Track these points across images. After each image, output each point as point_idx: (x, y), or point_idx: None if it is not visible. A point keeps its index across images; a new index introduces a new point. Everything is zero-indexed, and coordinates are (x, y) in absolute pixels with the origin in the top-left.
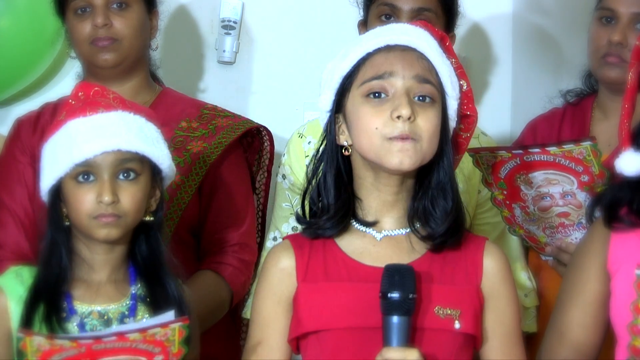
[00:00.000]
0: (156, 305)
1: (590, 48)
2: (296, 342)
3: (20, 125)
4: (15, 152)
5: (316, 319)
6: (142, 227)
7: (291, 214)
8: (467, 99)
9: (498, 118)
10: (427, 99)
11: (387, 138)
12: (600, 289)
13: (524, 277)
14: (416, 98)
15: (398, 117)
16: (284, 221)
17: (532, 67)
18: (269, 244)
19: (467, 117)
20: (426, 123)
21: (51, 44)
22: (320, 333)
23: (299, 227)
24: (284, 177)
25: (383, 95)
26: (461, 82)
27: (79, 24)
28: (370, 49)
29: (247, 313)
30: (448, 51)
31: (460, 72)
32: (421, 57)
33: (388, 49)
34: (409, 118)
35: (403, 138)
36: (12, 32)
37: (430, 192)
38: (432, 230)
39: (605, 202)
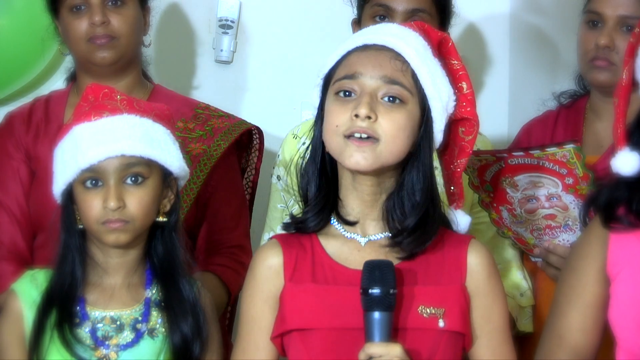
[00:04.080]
0: (170, 308)
1: (578, 52)
2: (280, 340)
3: (13, 121)
4: (9, 148)
5: (300, 317)
6: (159, 227)
7: (286, 215)
8: (466, 102)
9: (495, 118)
10: (397, 100)
11: (345, 136)
12: (599, 292)
13: (519, 276)
14: (385, 99)
15: (357, 115)
16: (279, 222)
17: (530, 68)
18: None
19: (467, 120)
20: (389, 123)
21: (43, 45)
22: (304, 332)
23: None
24: (278, 178)
25: (353, 95)
26: (461, 84)
27: (75, 21)
28: (349, 48)
29: None
30: (450, 53)
31: (462, 74)
32: (396, 57)
33: (364, 48)
34: (369, 117)
35: (361, 139)
36: (10, 31)
37: (401, 192)
38: (399, 227)
39: (601, 202)
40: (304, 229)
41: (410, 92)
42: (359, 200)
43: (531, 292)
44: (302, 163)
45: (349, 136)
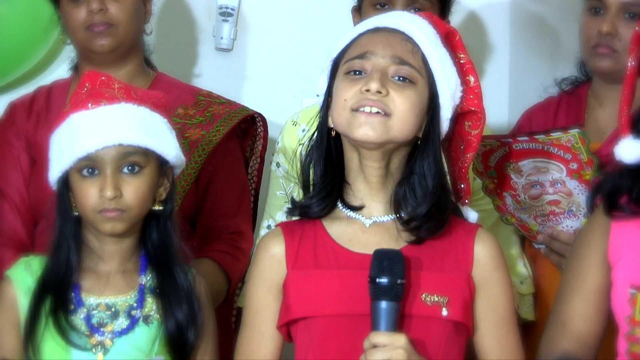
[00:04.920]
0: (165, 296)
1: (581, 39)
2: (286, 328)
3: (15, 110)
4: (10, 136)
5: (305, 305)
6: (154, 215)
7: (285, 202)
8: (474, 95)
9: (496, 106)
10: (406, 80)
11: (353, 109)
12: (601, 279)
13: (520, 264)
14: (396, 78)
15: (367, 90)
16: (278, 209)
17: (530, 55)
18: (263, 232)
19: (474, 113)
20: (400, 99)
21: (45, 33)
22: (309, 320)
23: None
24: (277, 165)
25: (363, 74)
26: (468, 78)
27: (74, 10)
28: (360, 31)
29: (240, 302)
30: (457, 46)
31: (469, 67)
32: (407, 39)
33: (375, 30)
34: (379, 92)
35: (371, 112)
36: (10, 19)
37: (411, 177)
38: (412, 213)
39: (605, 191)
40: (308, 215)
41: (420, 74)
42: (366, 183)
43: (531, 280)
44: (303, 150)
45: (357, 109)
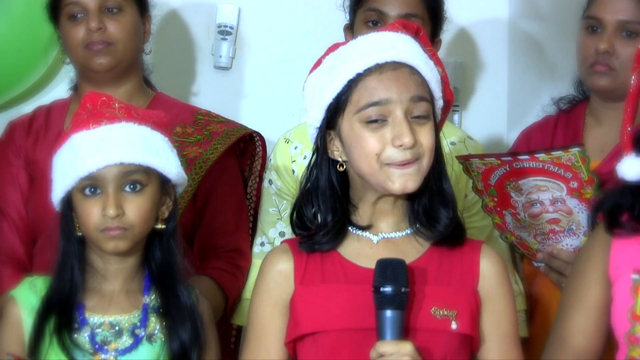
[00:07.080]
0: (168, 315)
1: (578, 57)
2: (292, 345)
3: (14, 129)
4: (9, 155)
5: (313, 320)
6: (157, 234)
7: (278, 219)
8: (445, 85)
9: (494, 124)
10: (424, 117)
11: (386, 164)
12: (602, 295)
13: (511, 280)
14: (413, 117)
15: (400, 145)
16: (271, 226)
17: (529, 73)
18: (256, 249)
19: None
20: (426, 140)
21: (44, 51)
22: (317, 335)
23: (286, 232)
24: (270, 182)
25: (380, 120)
26: (437, 69)
27: (73, 28)
28: (360, 70)
29: (235, 319)
30: (422, 40)
31: (436, 58)
32: (412, 72)
33: (379, 69)
34: (412, 145)
35: (404, 164)
36: (8, 37)
37: (429, 196)
38: (437, 233)
39: (606, 208)
40: (320, 250)
41: (431, 103)
42: (377, 208)
43: (523, 297)
44: (303, 185)
45: (389, 164)
